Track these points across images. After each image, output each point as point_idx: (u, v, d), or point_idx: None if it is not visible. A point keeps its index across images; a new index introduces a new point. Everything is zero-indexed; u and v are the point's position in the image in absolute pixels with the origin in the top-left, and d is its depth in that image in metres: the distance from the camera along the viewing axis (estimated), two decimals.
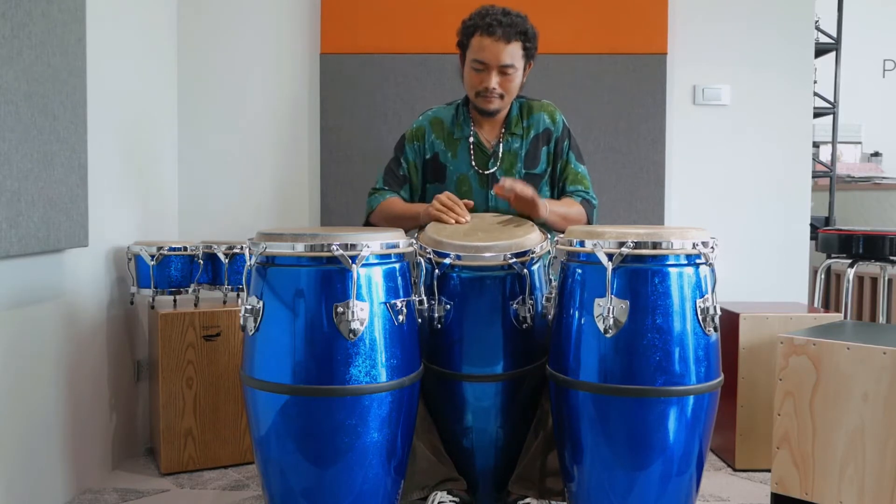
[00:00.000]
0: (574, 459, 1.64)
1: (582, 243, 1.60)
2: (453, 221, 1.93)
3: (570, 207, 2.14)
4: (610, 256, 1.53)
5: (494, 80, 2.07)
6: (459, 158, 2.19)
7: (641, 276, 1.55)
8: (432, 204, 1.99)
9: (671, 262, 1.56)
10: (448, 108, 2.26)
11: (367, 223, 2.26)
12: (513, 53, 2.05)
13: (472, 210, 2.05)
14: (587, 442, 1.60)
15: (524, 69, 2.13)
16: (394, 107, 2.90)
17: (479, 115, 2.21)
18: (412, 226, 2.09)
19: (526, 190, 1.95)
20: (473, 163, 2.17)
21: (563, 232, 2.07)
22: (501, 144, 2.18)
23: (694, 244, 1.56)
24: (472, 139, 2.18)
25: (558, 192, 2.23)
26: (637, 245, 1.54)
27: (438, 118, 2.24)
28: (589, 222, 2.19)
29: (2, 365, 1.84)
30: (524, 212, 2.00)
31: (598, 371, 1.57)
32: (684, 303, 1.56)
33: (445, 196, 2.00)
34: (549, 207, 2.03)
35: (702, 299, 1.57)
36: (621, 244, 1.54)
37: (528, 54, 2.10)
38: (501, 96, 2.11)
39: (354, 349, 1.53)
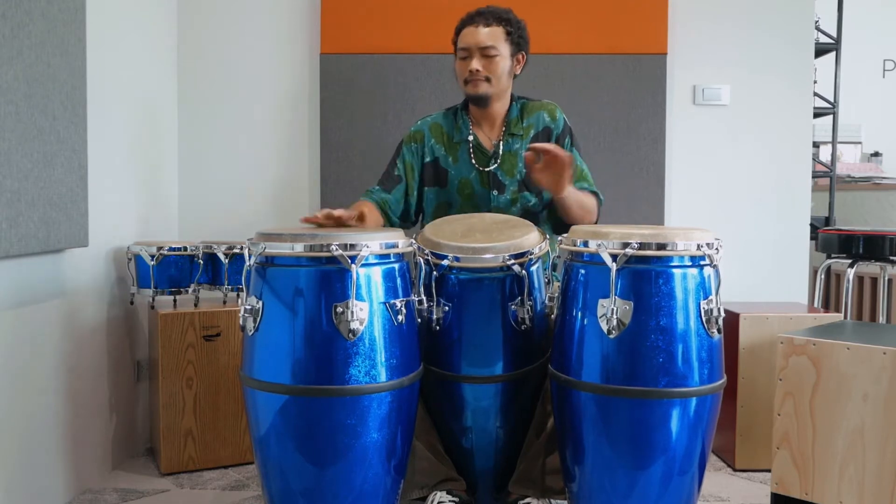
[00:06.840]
0: (576, 460, 1.64)
1: (586, 243, 1.59)
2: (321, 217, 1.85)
3: (585, 196, 2.09)
4: (614, 257, 1.53)
5: (477, 63, 2.10)
6: (460, 162, 2.20)
7: (645, 276, 1.54)
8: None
9: (675, 263, 1.55)
10: (446, 113, 2.28)
11: None
12: (493, 35, 2.10)
13: (465, 210, 2.11)
14: (589, 442, 1.60)
15: (511, 56, 2.14)
16: (394, 107, 2.90)
17: (477, 116, 2.21)
18: None
19: (561, 150, 1.87)
20: (474, 161, 2.18)
21: (575, 222, 2.03)
22: (501, 145, 2.18)
23: (698, 245, 1.55)
24: (471, 139, 2.20)
25: None
26: (641, 246, 1.53)
27: (437, 123, 2.25)
28: (596, 219, 2.15)
29: (2, 365, 1.83)
30: (550, 180, 1.92)
31: (601, 372, 1.56)
32: (688, 304, 1.55)
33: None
34: (569, 187, 1.97)
35: (706, 300, 1.57)
36: (626, 245, 1.53)
37: (513, 40, 2.13)
38: (488, 80, 2.11)
39: (354, 349, 1.53)
